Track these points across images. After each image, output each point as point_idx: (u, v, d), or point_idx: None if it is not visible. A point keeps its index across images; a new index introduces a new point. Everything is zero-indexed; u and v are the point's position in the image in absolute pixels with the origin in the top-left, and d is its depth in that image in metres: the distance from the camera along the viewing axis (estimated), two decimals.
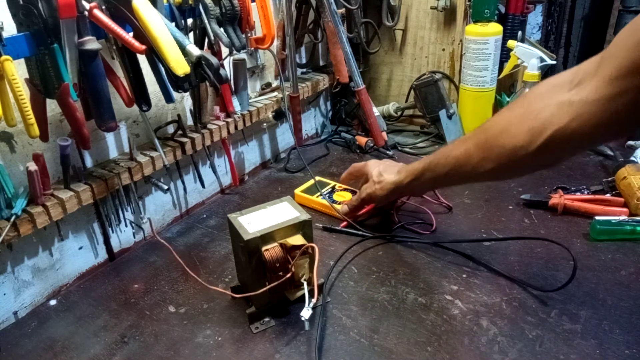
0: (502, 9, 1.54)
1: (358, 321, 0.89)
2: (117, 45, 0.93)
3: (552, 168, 1.33)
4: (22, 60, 0.82)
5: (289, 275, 0.85)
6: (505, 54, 1.51)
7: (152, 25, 0.87)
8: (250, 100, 1.37)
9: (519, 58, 1.45)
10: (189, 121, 1.24)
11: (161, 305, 0.97)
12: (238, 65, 1.29)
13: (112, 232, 1.11)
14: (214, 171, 1.33)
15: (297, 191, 1.29)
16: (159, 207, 1.22)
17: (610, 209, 1.13)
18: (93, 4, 0.82)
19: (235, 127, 1.29)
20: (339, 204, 1.21)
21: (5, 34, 0.76)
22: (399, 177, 1.02)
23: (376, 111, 1.57)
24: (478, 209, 1.23)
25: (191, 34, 1.08)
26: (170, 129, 1.19)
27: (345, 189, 1.28)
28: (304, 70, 1.65)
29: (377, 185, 1.05)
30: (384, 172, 1.05)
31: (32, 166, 0.87)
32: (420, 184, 0.98)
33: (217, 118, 1.26)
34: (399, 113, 1.72)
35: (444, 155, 0.89)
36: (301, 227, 0.88)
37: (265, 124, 1.46)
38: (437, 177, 0.92)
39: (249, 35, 1.17)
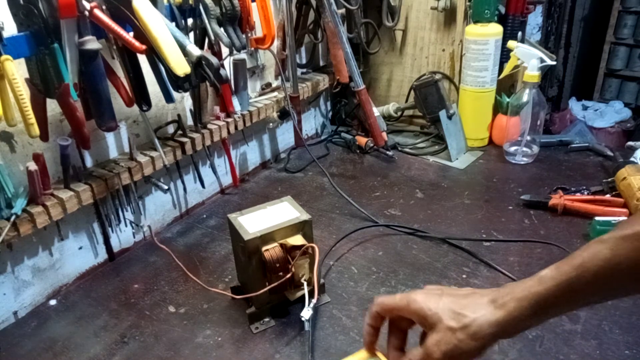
0: (502, 10, 1.54)
1: (358, 321, 0.89)
2: (118, 45, 0.93)
3: None
4: (22, 60, 0.82)
5: (289, 275, 0.85)
6: (505, 54, 1.51)
7: (152, 25, 0.87)
8: (250, 100, 1.37)
9: (519, 58, 1.45)
10: (189, 121, 1.24)
11: (161, 305, 0.97)
12: (238, 65, 1.29)
13: (112, 232, 1.11)
14: (214, 171, 1.33)
15: None
16: (159, 207, 1.22)
17: (610, 210, 1.13)
18: (93, 4, 0.82)
19: (235, 127, 1.29)
20: None
21: (5, 34, 0.76)
22: (503, 311, 0.55)
23: (376, 111, 1.57)
24: (478, 209, 1.23)
25: (191, 34, 1.08)
26: (171, 129, 1.19)
27: None
28: (304, 70, 1.65)
29: (460, 333, 0.56)
30: (465, 309, 0.56)
31: (32, 166, 0.87)
32: (561, 307, 0.54)
33: (217, 118, 1.26)
34: (399, 113, 1.72)
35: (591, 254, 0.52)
36: (301, 227, 0.88)
37: (271, 124, 1.46)
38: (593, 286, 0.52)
39: (249, 35, 1.17)
